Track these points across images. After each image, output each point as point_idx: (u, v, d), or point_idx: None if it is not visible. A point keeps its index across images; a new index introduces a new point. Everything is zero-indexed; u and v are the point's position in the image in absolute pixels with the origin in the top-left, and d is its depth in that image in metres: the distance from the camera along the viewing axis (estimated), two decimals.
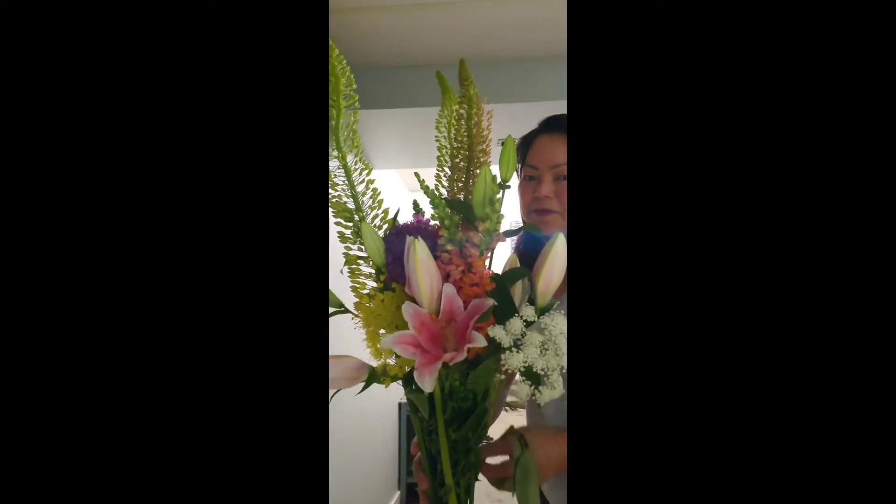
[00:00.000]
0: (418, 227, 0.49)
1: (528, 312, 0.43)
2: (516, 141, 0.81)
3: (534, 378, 0.40)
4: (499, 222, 0.46)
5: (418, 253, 0.42)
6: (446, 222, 0.45)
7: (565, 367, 0.40)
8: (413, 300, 0.45)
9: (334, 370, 0.47)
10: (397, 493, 2.67)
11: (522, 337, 0.41)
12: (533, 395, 0.40)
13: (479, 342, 0.41)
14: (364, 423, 2.14)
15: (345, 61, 0.46)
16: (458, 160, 0.51)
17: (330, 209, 0.49)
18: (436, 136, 0.52)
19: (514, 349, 0.40)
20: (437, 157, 0.52)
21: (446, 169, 0.52)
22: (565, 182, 0.70)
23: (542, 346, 0.40)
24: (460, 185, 0.52)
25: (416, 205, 0.54)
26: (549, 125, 0.75)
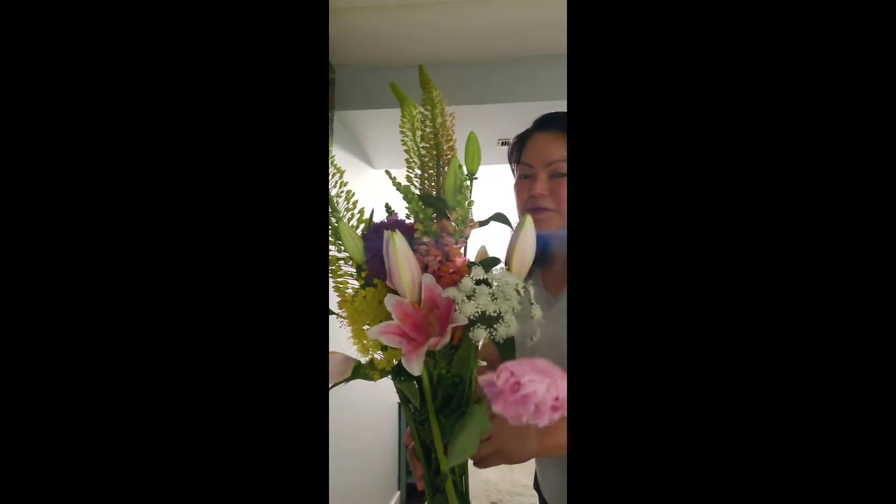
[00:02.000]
0: (395, 224, 0.50)
1: (478, 271, 0.46)
2: (511, 140, 0.81)
3: (486, 321, 0.44)
4: (470, 209, 0.48)
5: (397, 245, 0.45)
6: (420, 216, 0.47)
7: (517, 308, 0.44)
8: (395, 292, 0.47)
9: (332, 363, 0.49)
10: (397, 493, 2.67)
11: (473, 293, 0.44)
12: (491, 335, 0.44)
13: (461, 321, 0.44)
14: (364, 424, 2.13)
15: None
16: (426, 159, 0.54)
17: None
18: (401, 140, 0.54)
19: (466, 300, 0.44)
20: (406, 160, 0.54)
21: (416, 169, 0.54)
22: (560, 180, 0.70)
23: (491, 294, 0.44)
24: (431, 182, 0.54)
25: (388, 207, 0.55)
26: (542, 123, 0.76)
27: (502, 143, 1.93)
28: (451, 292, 0.45)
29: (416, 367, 0.43)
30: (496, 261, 0.50)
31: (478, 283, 0.45)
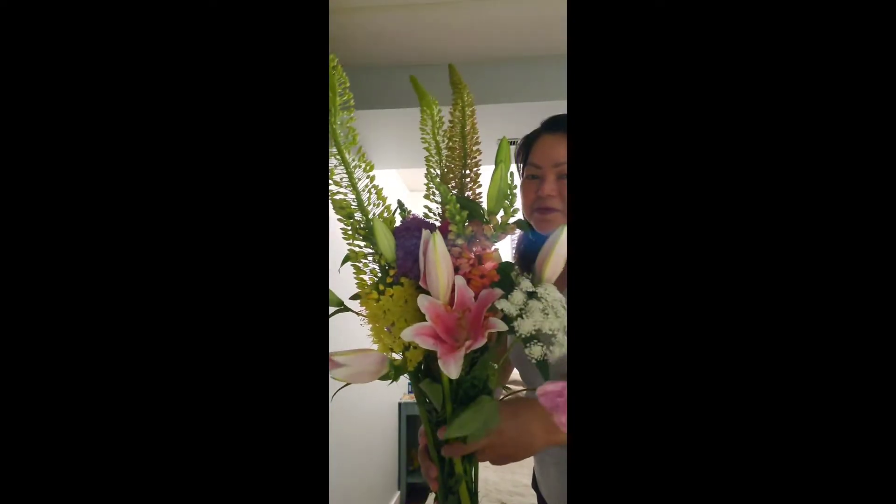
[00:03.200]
0: (423, 223, 0.50)
1: (526, 284, 0.46)
2: (519, 141, 0.82)
3: (544, 339, 0.44)
4: (513, 215, 0.49)
5: (438, 246, 0.44)
6: (457, 218, 0.47)
7: (565, 326, 0.44)
8: (425, 293, 0.46)
9: (361, 364, 0.47)
10: (397, 493, 2.67)
11: (525, 306, 0.44)
12: (545, 354, 0.44)
13: (500, 327, 0.44)
14: (364, 423, 2.14)
15: (337, 60, 0.46)
16: (449, 160, 0.53)
17: (332, 207, 0.49)
18: (422, 138, 0.53)
19: (522, 317, 0.44)
20: (426, 158, 0.54)
21: (434, 168, 0.54)
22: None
23: (542, 311, 0.44)
24: (453, 184, 0.54)
25: (401, 204, 0.56)
26: (551, 125, 0.76)
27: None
28: (504, 304, 0.45)
29: (454, 370, 0.43)
30: (511, 265, 0.50)
31: (528, 296, 0.45)
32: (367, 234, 0.50)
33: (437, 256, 0.44)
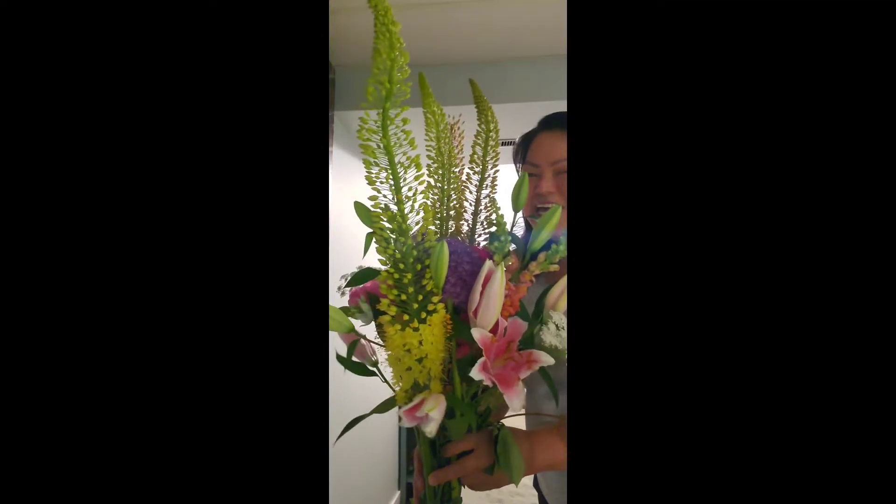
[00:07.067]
0: (473, 249, 0.50)
1: (557, 318, 0.49)
2: (517, 140, 0.82)
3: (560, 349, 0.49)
4: (561, 255, 0.49)
5: (503, 280, 0.44)
6: (505, 249, 0.47)
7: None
8: (464, 323, 0.46)
9: (441, 412, 0.45)
10: (397, 493, 2.66)
11: (555, 330, 0.49)
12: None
13: (546, 360, 0.45)
14: (364, 423, 2.13)
15: (404, 45, 0.39)
16: (458, 169, 0.54)
17: (361, 217, 0.45)
18: (427, 146, 0.52)
19: (553, 332, 0.49)
20: (427, 166, 0.52)
21: (431, 174, 0.53)
22: (565, 176, 0.71)
23: (556, 325, 0.49)
24: (471, 191, 0.55)
25: None
26: (547, 123, 0.77)
27: (502, 144, 1.93)
28: (549, 338, 0.47)
29: (517, 403, 0.43)
30: None
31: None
32: (406, 253, 0.44)
33: (501, 290, 0.44)
